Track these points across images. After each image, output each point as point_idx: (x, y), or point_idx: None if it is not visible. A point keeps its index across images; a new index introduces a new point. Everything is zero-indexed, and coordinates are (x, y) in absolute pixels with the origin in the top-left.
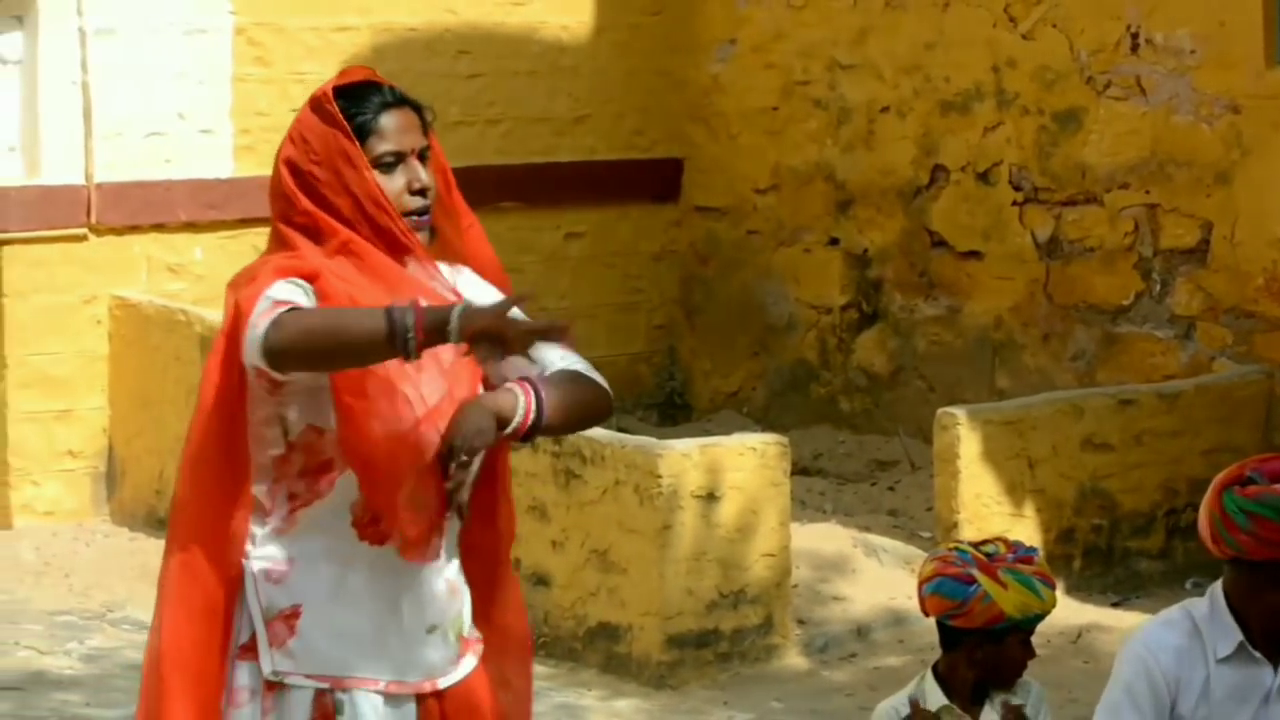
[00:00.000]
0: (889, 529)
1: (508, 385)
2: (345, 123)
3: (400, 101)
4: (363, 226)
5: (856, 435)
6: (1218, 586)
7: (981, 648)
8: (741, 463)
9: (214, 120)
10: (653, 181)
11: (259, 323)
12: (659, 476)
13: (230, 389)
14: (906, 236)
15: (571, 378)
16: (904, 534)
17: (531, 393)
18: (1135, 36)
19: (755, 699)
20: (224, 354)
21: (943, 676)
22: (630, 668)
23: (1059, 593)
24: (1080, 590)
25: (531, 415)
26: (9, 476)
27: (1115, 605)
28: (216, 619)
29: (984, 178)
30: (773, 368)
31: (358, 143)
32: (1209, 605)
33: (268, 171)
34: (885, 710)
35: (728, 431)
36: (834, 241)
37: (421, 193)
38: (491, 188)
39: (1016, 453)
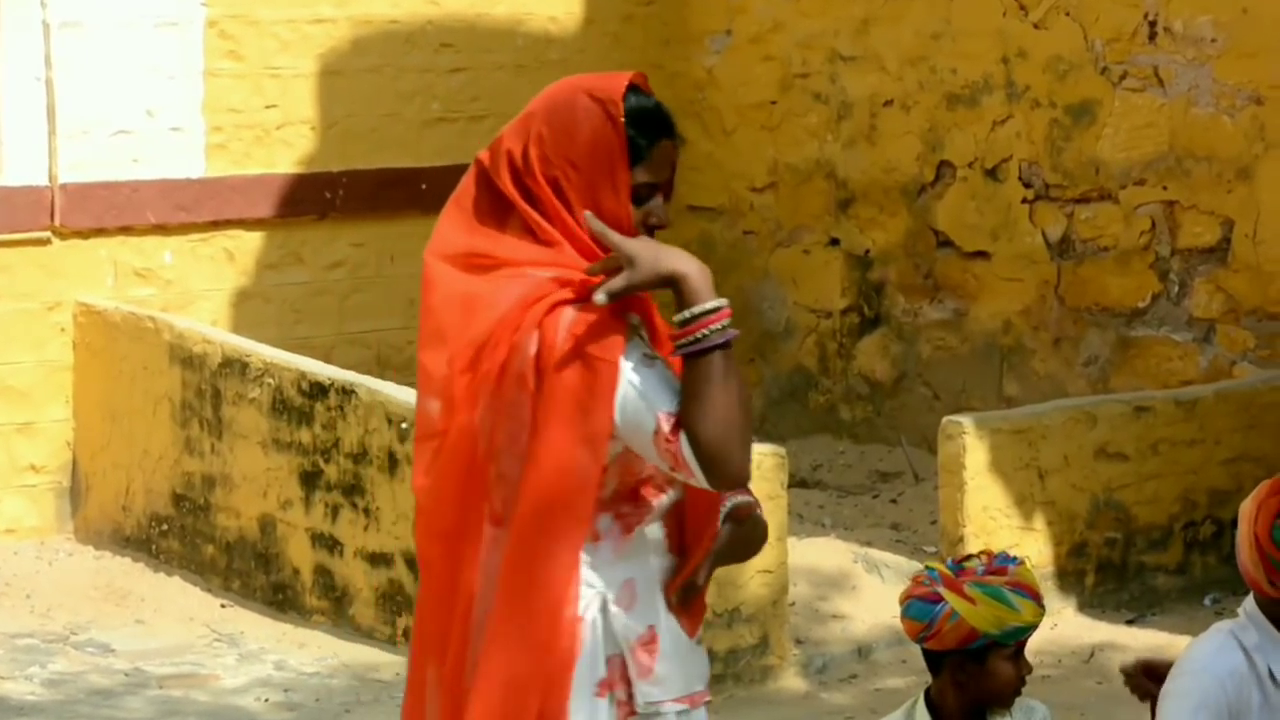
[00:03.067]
0: (891, 544)
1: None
2: (626, 143)
3: (671, 130)
4: (582, 239)
5: (857, 445)
6: (1253, 608)
7: (964, 669)
8: None
9: (184, 117)
10: None
11: (688, 461)
12: None
13: (597, 458)
14: (910, 236)
15: None
16: (907, 549)
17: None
18: (1153, 25)
19: None
20: (591, 429)
21: (934, 703)
22: None
23: (1071, 610)
24: (1093, 607)
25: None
26: None
27: (1130, 623)
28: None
29: (992, 174)
30: (770, 375)
31: (628, 166)
32: (1254, 628)
33: (241, 170)
34: None
35: None
36: (834, 242)
37: (652, 229)
38: None
39: (1026, 463)
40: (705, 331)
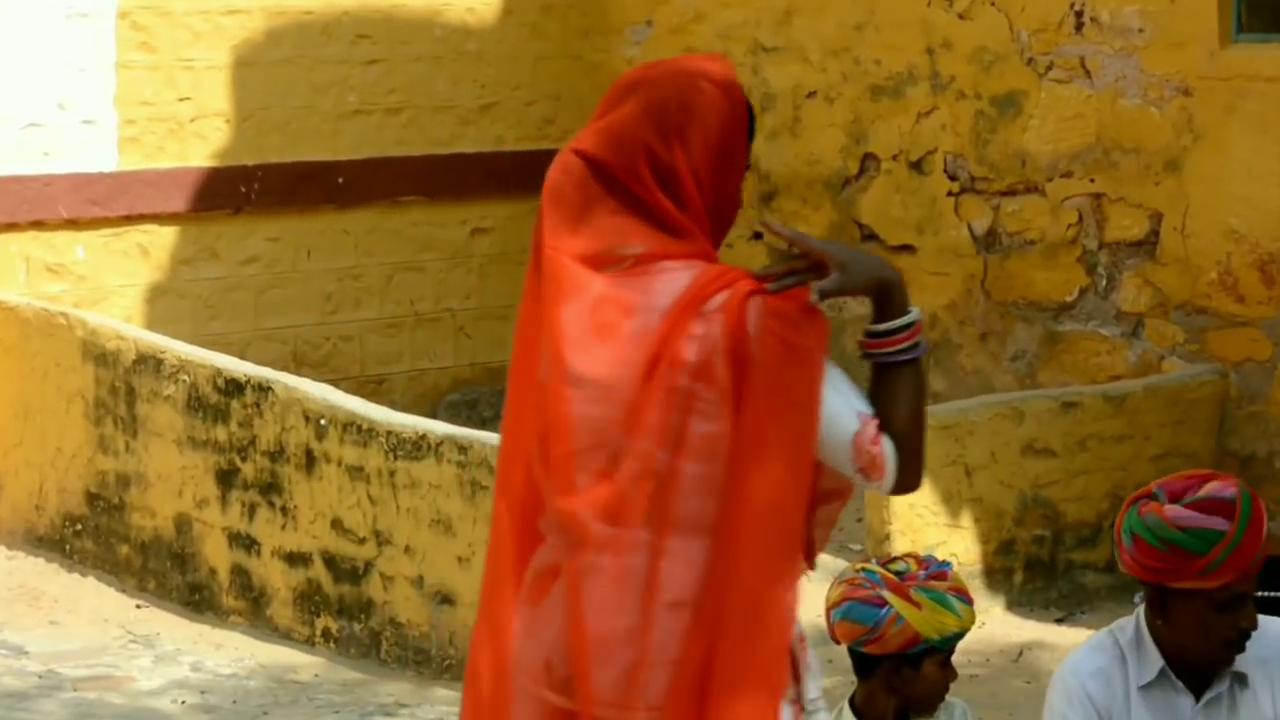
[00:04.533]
0: None
1: None
2: (748, 127)
3: None
4: (706, 226)
5: None
6: (1143, 608)
7: (899, 673)
8: None
9: (96, 110)
10: None
11: (885, 462)
12: None
13: (813, 451)
14: (834, 230)
15: None
16: (833, 547)
17: None
18: (1080, 15)
19: None
20: (806, 421)
21: (860, 709)
22: None
23: (999, 608)
24: (1021, 605)
25: None
26: None
27: (1059, 621)
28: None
29: (917, 167)
30: None
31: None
32: (1134, 629)
33: (153, 164)
34: None
35: None
36: (757, 236)
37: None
38: (392, 180)
39: (953, 459)
40: (910, 343)
